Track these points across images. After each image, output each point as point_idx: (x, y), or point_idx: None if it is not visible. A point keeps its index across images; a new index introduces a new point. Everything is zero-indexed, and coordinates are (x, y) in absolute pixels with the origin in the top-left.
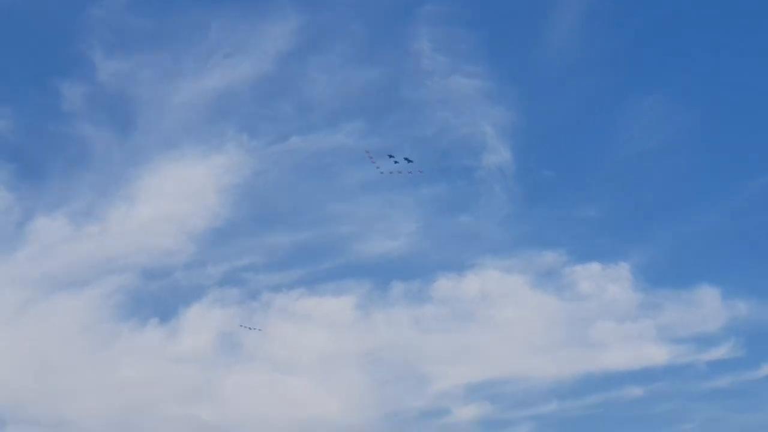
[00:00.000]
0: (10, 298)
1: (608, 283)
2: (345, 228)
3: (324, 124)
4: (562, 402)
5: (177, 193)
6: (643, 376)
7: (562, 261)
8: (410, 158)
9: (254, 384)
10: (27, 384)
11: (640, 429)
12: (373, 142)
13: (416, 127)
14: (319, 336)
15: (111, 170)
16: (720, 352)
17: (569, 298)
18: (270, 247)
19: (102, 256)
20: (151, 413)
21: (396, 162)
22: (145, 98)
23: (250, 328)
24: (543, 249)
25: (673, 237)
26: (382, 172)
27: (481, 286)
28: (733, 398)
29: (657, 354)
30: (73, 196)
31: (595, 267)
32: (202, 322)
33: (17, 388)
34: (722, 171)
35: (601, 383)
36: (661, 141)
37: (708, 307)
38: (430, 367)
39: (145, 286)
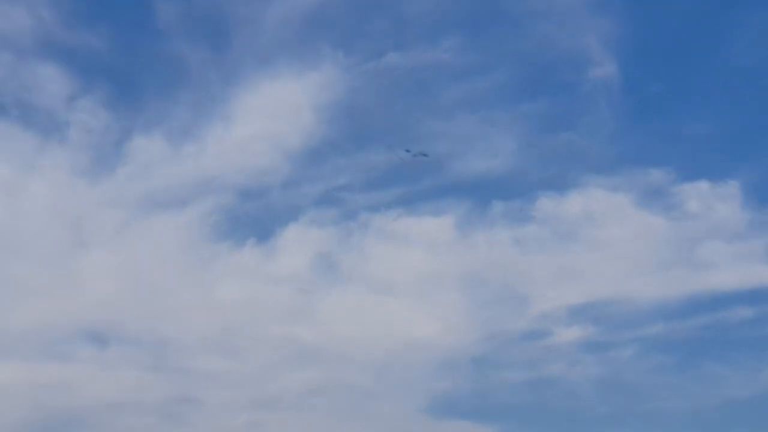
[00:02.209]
0: (110, 218)
1: (717, 202)
2: (443, 146)
3: (421, 39)
4: (668, 324)
5: (272, 112)
6: (753, 297)
7: (669, 179)
8: (426, 153)
9: (352, 305)
10: (127, 304)
11: (749, 351)
12: (471, 57)
13: (517, 40)
14: (417, 257)
15: (207, 89)
16: None
17: (676, 218)
18: (367, 167)
19: (199, 176)
20: (250, 333)
21: (414, 156)
22: (240, 14)
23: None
24: (649, 167)
25: None
26: (403, 161)
27: (584, 206)
28: None
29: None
30: (169, 116)
31: (703, 185)
32: (299, 243)
33: (117, 308)
34: None
35: (708, 304)
36: None
37: None
38: (532, 288)
39: (242, 206)
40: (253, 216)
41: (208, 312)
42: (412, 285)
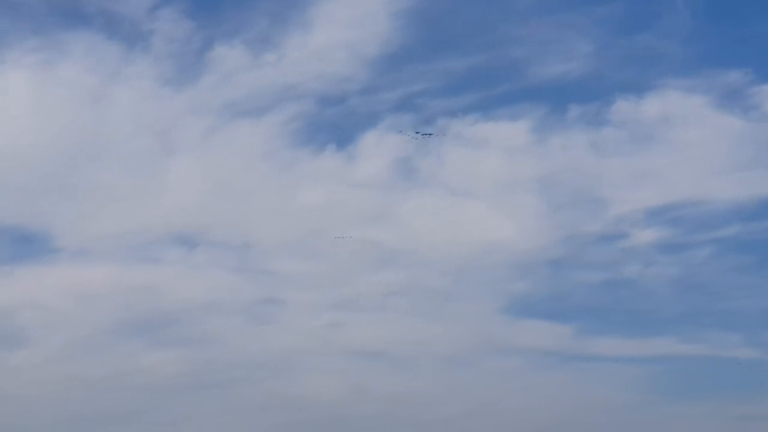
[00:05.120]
0: (194, 126)
1: None
2: (519, 50)
3: None
4: (745, 225)
5: (350, 19)
6: None
7: (747, 80)
8: (430, 132)
9: (431, 209)
10: (213, 209)
11: None
12: None
13: None
14: (494, 161)
15: None
16: None
17: (755, 119)
18: (444, 72)
19: (280, 84)
20: (332, 237)
21: (423, 135)
22: None
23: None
24: (727, 68)
25: None
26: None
27: (661, 108)
28: None
29: None
30: (249, 24)
31: None
32: (378, 148)
33: (204, 213)
34: None
35: None
36: None
37: None
38: (608, 191)
39: (322, 112)
40: (332, 122)
41: (290, 216)
42: (489, 189)
